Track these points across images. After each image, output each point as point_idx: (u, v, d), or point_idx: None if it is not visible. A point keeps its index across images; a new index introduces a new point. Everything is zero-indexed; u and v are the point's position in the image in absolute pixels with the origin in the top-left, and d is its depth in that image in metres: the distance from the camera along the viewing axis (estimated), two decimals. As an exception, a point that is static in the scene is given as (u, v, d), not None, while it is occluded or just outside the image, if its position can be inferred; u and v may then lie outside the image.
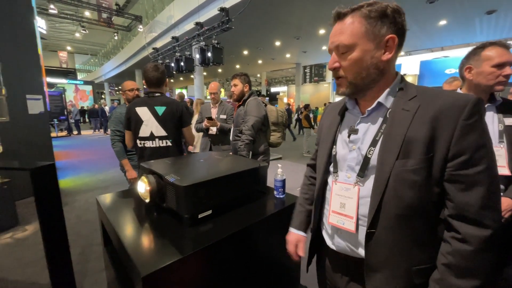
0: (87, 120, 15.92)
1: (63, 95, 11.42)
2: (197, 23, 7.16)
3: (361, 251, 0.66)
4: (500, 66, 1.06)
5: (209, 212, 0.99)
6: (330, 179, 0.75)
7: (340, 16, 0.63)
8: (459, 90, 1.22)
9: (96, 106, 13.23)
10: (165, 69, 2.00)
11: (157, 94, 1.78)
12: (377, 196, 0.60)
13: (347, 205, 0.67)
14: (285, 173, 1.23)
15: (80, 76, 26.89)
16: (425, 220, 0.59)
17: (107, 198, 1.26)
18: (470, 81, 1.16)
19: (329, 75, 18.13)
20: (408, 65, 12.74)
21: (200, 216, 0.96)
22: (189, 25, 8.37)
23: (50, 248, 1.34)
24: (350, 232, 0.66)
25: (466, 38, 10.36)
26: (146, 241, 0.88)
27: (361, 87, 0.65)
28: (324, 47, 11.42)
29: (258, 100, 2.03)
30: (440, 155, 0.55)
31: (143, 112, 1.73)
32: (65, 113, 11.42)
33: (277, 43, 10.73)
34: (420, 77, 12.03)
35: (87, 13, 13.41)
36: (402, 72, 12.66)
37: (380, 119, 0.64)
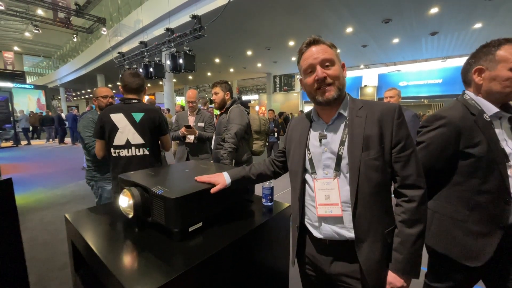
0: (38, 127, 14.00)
1: (10, 101, 10.10)
2: (167, 29, 6.99)
3: (345, 233, 0.80)
4: None
5: (200, 224, 0.95)
6: (309, 178, 0.87)
7: (316, 42, 0.81)
8: (470, 94, 0.97)
9: (50, 113, 11.92)
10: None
11: (134, 101, 1.67)
12: (354, 182, 0.77)
13: (331, 195, 0.81)
14: (272, 180, 1.24)
15: (30, 79, 24.04)
16: (387, 193, 0.80)
17: (78, 215, 1.13)
18: (479, 86, 0.91)
19: (297, 85, 18.93)
20: (368, 77, 14.00)
21: (190, 229, 0.92)
22: (158, 31, 8.12)
23: (4, 279, 1.16)
24: (337, 217, 0.80)
25: (414, 55, 11.76)
26: (133, 260, 0.81)
27: (341, 95, 0.81)
28: (294, 58, 11.95)
29: (241, 108, 2.02)
30: (388, 144, 0.77)
31: (118, 118, 1.60)
32: (12, 120, 10.09)
33: (249, 53, 10.94)
34: (379, 88, 13.28)
35: (40, 12, 12.19)
36: (363, 84, 13.94)
37: (342, 125, 0.83)
